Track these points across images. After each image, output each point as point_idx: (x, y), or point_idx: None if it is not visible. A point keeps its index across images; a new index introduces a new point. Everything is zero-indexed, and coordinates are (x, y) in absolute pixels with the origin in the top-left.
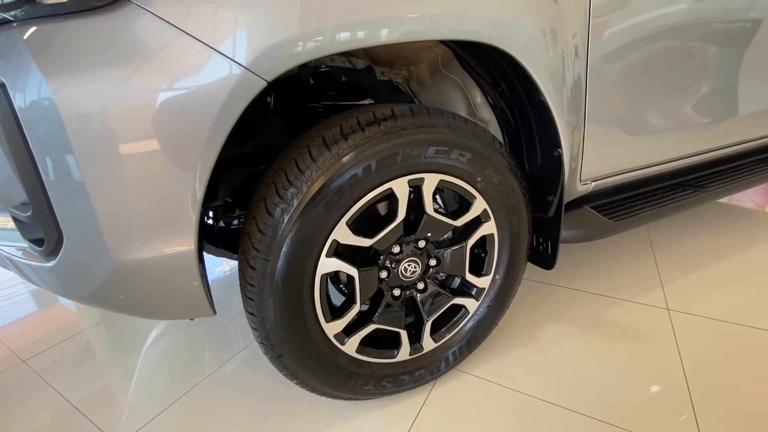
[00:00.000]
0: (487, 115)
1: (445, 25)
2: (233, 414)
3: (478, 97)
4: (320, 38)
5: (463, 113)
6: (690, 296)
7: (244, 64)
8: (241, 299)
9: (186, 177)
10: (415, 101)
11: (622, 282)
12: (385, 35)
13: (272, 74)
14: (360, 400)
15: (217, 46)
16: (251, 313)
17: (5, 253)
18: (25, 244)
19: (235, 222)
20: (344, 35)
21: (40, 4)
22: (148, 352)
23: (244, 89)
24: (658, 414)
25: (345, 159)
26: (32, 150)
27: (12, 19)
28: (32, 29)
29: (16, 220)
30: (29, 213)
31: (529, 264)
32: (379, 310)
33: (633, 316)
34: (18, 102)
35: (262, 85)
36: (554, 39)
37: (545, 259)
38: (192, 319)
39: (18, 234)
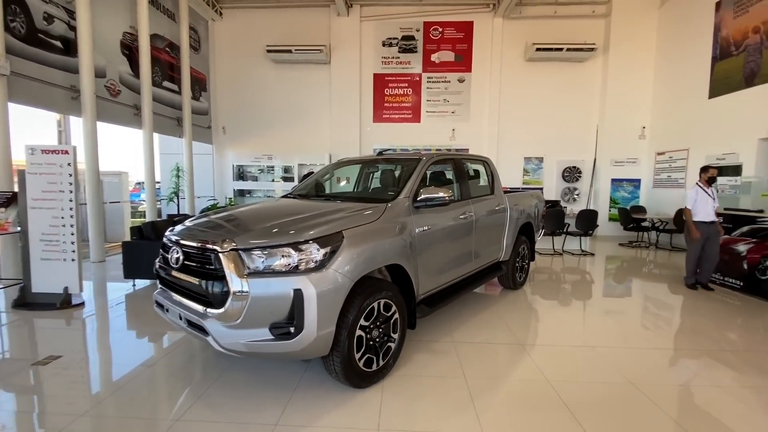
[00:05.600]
0: (389, 279)
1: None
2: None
3: (379, 275)
4: None
5: (380, 277)
6: (465, 334)
7: None
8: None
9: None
10: None
11: (435, 330)
12: None
13: None
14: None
15: None
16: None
17: (262, 343)
18: (272, 337)
19: None
20: None
21: None
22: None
23: None
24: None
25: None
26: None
27: None
28: None
29: (273, 328)
30: (293, 323)
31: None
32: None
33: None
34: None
35: None
36: (406, 251)
37: (412, 325)
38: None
39: (270, 334)
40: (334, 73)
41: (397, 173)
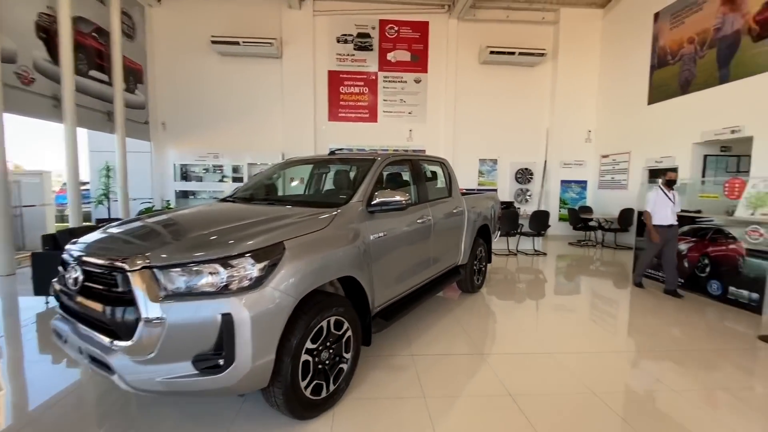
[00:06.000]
0: (341, 292)
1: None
2: None
3: (332, 289)
4: None
5: (331, 290)
6: (424, 345)
7: None
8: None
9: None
10: None
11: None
12: None
13: None
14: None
15: None
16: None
17: (184, 380)
18: (196, 372)
19: None
20: None
21: None
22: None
23: None
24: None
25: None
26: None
27: None
28: None
29: (197, 361)
30: (223, 354)
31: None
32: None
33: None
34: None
35: None
36: (360, 260)
37: (367, 341)
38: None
39: (193, 369)
40: (286, 68)
41: (350, 175)
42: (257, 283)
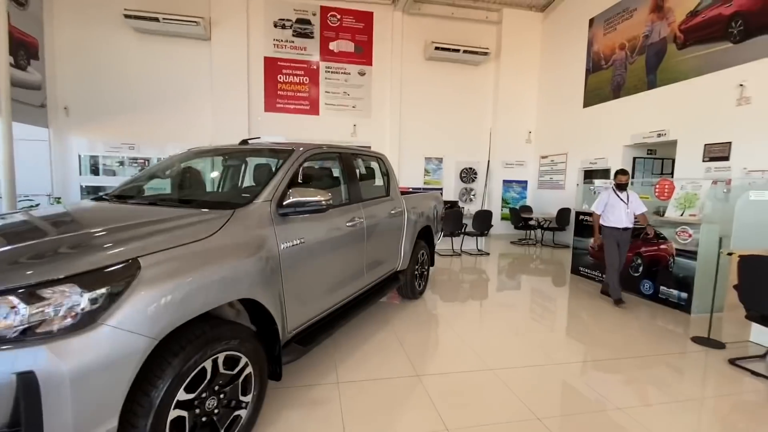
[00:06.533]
0: (245, 321)
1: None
2: None
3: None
4: None
5: (233, 318)
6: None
7: None
8: None
9: None
10: None
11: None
12: None
13: None
14: None
15: None
16: None
17: None
18: None
19: None
20: None
21: None
22: None
23: None
24: None
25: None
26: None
27: None
28: None
29: None
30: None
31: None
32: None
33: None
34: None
35: None
36: (264, 277)
37: (277, 375)
38: None
39: None
40: (216, 51)
41: (261, 169)
42: (86, 321)
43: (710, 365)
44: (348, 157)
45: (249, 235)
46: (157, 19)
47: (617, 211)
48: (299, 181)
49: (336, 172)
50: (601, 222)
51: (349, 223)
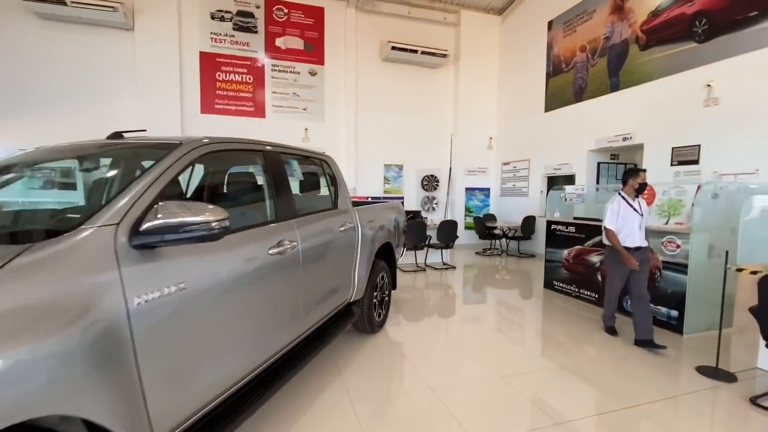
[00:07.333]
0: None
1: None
2: None
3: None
4: None
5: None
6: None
7: None
8: None
9: None
10: None
11: None
12: None
13: None
14: None
15: None
16: None
17: None
18: None
19: None
20: None
21: None
22: None
23: None
24: None
25: None
26: None
27: None
28: None
29: None
30: None
31: None
32: None
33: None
34: None
35: None
36: (89, 366)
37: None
38: None
39: None
40: (140, 43)
41: (117, 172)
42: None
43: (730, 408)
44: (275, 157)
45: (59, 290)
46: (64, 3)
47: (630, 225)
48: (185, 193)
49: (259, 179)
50: (607, 241)
51: (274, 250)
